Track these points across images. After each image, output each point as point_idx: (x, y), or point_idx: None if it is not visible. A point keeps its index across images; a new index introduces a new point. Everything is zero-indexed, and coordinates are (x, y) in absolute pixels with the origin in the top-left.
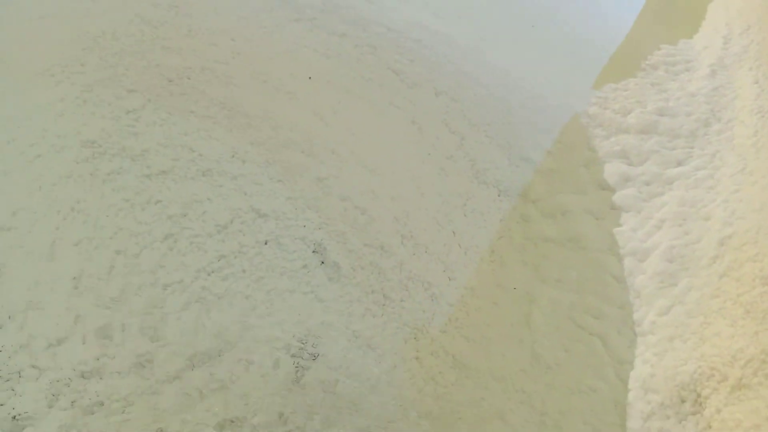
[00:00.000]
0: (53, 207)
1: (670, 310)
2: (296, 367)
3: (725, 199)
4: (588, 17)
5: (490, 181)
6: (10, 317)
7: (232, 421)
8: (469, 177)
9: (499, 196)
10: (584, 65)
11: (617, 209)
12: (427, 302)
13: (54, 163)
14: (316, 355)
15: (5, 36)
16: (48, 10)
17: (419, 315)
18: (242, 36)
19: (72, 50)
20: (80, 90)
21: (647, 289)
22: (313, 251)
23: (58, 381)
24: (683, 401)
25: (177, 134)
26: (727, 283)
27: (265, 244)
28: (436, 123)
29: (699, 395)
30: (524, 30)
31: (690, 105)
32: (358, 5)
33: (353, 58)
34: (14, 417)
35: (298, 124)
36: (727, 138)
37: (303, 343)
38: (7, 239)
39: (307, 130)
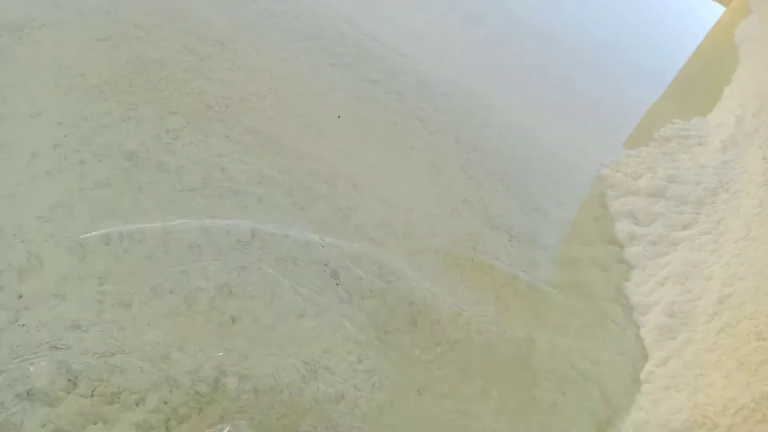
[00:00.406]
0: (90, 207)
1: (667, 361)
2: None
3: (727, 261)
4: (607, 89)
5: (502, 227)
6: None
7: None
8: (482, 221)
9: (509, 241)
10: (599, 131)
11: (623, 263)
12: (428, 338)
13: (95, 168)
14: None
15: (68, 52)
16: (106, 34)
17: (423, 347)
18: (280, 74)
19: (123, 72)
20: (126, 107)
21: (647, 341)
22: (330, 275)
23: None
24: None
25: (211, 155)
26: (723, 339)
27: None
28: (455, 168)
29: None
30: (546, 92)
31: (699, 175)
32: (390, 56)
33: (381, 103)
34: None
35: (323, 157)
36: (733, 207)
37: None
38: (44, 228)
39: (332, 163)
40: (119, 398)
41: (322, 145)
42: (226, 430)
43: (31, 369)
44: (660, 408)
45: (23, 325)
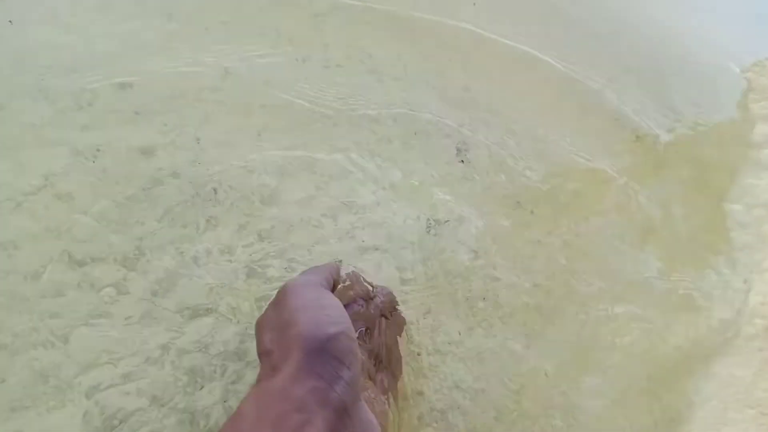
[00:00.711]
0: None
1: None
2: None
3: None
4: None
5: (628, 126)
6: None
7: None
8: (610, 119)
9: (636, 140)
10: (750, 33)
11: (758, 165)
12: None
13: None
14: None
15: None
16: None
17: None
18: None
19: None
20: None
21: None
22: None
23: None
24: None
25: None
26: None
27: (415, 134)
28: (584, 63)
29: None
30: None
31: None
32: None
33: None
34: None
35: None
36: None
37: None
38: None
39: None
40: None
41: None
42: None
43: None
44: None
45: None
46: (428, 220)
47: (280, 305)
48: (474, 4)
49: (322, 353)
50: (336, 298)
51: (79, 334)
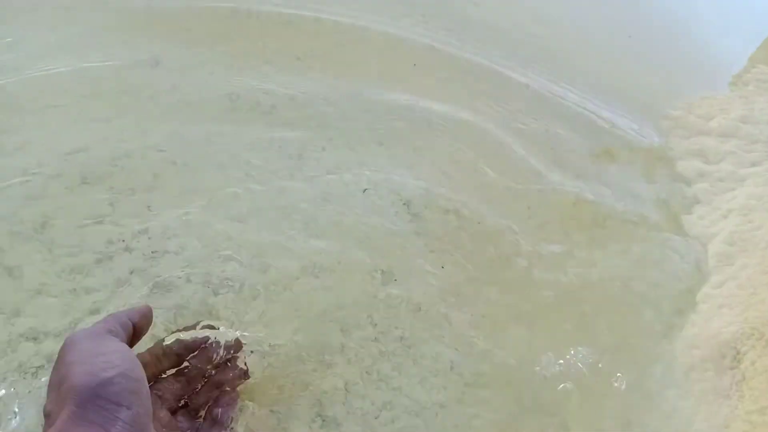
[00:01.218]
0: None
1: (723, 284)
2: None
3: None
4: (685, 33)
5: (567, 167)
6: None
7: None
8: (549, 161)
9: (576, 178)
10: (675, 74)
11: (689, 199)
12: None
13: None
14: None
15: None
16: None
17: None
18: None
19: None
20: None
21: (705, 268)
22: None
23: None
24: (723, 357)
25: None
26: None
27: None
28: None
29: (738, 352)
30: (622, 39)
31: None
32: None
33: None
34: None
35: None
36: None
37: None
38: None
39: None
40: None
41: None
42: None
43: None
44: (712, 324)
45: None
46: None
47: (58, 362)
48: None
49: (95, 399)
50: (120, 343)
51: None
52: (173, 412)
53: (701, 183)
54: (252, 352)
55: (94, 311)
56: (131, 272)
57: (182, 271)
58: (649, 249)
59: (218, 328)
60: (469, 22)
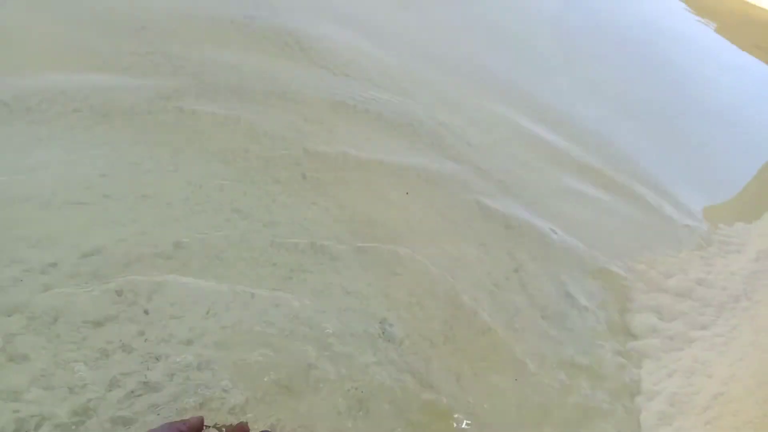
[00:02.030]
0: (206, 247)
1: None
2: None
3: (730, 363)
4: (656, 192)
5: (538, 305)
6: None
7: None
8: (522, 298)
9: (542, 318)
10: (640, 233)
11: (641, 354)
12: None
13: (209, 217)
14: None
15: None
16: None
17: None
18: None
19: (241, 143)
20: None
21: (646, 424)
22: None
23: None
24: None
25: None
26: (709, 429)
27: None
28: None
29: None
30: (589, 199)
31: (728, 281)
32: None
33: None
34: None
35: (393, 226)
36: (750, 315)
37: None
38: (170, 265)
39: (395, 229)
40: None
41: (392, 216)
42: None
43: None
44: None
45: None
46: None
47: None
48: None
49: None
50: None
51: None
52: None
53: (653, 339)
54: None
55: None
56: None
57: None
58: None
59: None
60: None
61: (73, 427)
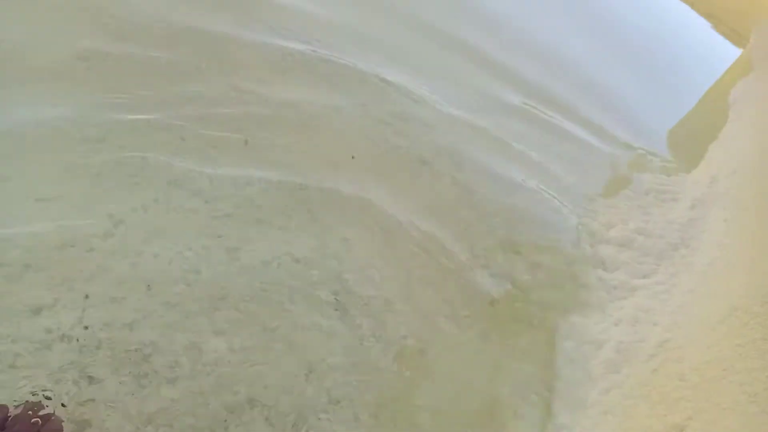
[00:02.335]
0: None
1: (609, 391)
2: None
3: (672, 311)
4: (597, 152)
5: (480, 263)
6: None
7: None
8: (467, 258)
9: (491, 276)
10: (586, 181)
11: (587, 305)
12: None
13: None
14: None
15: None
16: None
17: None
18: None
19: None
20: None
21: (595, 372)
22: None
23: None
24: None
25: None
26: (655, 376)
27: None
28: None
29: None
30: (544, 143)
31: (665, 230)
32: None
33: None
34: None
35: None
36: (688, 263)
37: None
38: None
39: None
40: None
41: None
42: None
43: None
44: (596, 430)
45: None
46: None
47: None
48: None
49: None
50: None
51: None
52: None
53: (598, 291)
54: None
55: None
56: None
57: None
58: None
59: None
60: None
61: None
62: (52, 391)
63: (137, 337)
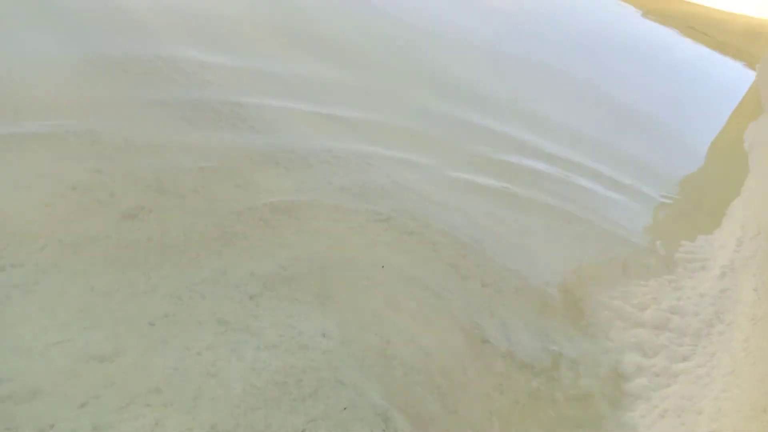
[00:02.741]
0: (194, 370)
1: None
2: None
3: (715, 396)
4: (619, 214)
5: (520, 360)
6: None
7: None
8: (501, 354)
9: (533, 375)
10: (612, 261)
11: (631, 396)
12: None
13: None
14: None
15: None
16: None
17: None
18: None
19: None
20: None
21: None
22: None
23: None
24: None
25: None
26: None
27: (344, 409)
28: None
29: None
30: (559, 228)
31: (699, 305)
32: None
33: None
34: None
35: (376, 314)
36: (725, 340)
37: None
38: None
39: (381, 322)
40: None
41: (373, 303)
42: None
43: None
44: None
45: None
46: None
47: None
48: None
49: None
50: None
51: None
52: None
53: (640, 378)
54: None
55: None
56: None
57: None
58: None
59: None
60: None
61: None
62: None
63: None
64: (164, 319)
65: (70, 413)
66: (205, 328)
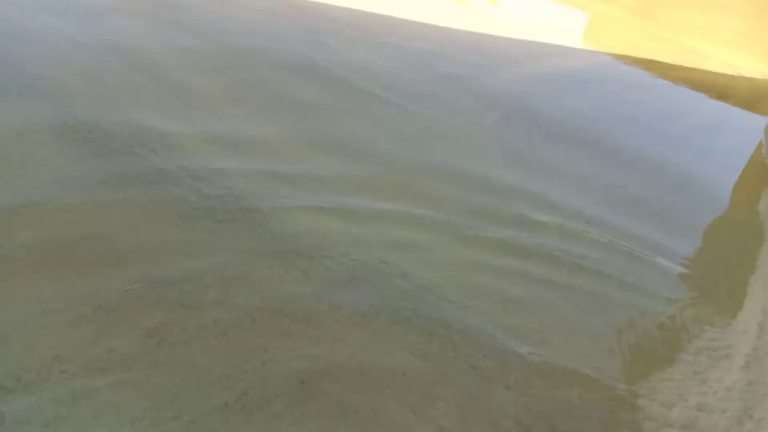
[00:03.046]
0: None
1: None
2: None
3: None
4: (642, 299)
5: None
6: None
7: None
8: None
9: None
10: (634, 351)
11: None
12: None
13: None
14: None
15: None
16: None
17: None
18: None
19: None
20: None
21: None
22: None
23: None
24: None
25: None
26: None
27: None
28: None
29: None
30: (575, 316)
31: (726, 401)
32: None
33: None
34: None
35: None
36: None
37: None
38: None
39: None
40: None
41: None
42: None
43: None
44: None
45: None
46: None
47: None
48: None
49: None
50: None
51: None
52: None
53: None
54: None
55: None
56: None
57: None
58: None
59: None
60: None
61: None
62: None
63: None
64: None
65: None
66: None
